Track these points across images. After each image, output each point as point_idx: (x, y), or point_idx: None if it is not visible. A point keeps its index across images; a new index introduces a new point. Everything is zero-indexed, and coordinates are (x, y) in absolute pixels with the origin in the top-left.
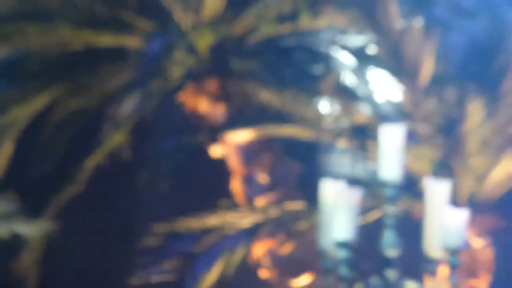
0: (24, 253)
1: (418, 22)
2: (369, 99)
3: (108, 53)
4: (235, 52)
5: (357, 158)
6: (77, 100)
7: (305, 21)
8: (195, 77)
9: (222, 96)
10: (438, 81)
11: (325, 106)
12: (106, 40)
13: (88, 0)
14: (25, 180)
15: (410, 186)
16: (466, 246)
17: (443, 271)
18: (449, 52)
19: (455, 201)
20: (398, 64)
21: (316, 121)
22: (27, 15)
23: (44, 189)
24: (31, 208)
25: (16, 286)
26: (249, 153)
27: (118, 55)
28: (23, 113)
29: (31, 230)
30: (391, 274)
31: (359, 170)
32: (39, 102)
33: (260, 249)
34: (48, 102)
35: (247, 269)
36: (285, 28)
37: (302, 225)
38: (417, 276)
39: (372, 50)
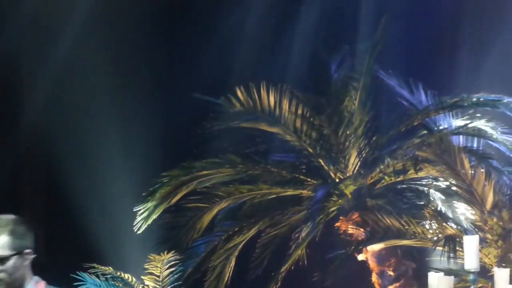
0: None
1: (482, 170)
2: (455, 219)
3: (291, 200)
4: (368, 194)
5: (450, 256)
6: (274, 230)
7: (410, 173)
8: (344, 211)
9: (362, 222)
10: (497, 206)
11: (427, 225)
12: (289, 192)
13: (277, 167)
14: (245, 281)
15: (484, 273)
16: None
17: None
18: (502, 188)
19: None
20: (471, 196)
21: (422, 234)
22: (241, 180)
23: (256, 286)
24: None
25: None
26: (381, 257)
27: (297, 201)
28: (241, 239)
29: None
30: None
31: (451, 264)
32: (250, 232)
33: None
34: (256, 232)
35: None
36: (399, 178)
37: None
38: None
39: (454, 188)
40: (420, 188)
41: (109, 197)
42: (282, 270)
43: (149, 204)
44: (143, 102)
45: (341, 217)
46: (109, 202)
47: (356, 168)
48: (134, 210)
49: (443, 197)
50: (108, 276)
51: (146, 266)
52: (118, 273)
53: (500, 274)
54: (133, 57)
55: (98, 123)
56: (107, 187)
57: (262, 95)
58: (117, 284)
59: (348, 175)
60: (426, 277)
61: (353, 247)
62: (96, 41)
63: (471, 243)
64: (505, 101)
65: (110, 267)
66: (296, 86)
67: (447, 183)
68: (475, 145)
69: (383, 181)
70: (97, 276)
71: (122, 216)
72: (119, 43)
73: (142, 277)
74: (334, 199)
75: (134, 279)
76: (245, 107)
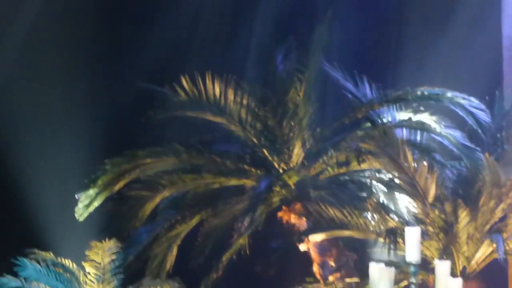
0: None
1: (424, 163)
2: (397, 212)
3: (234, 189)
4: (311, 185)
5: (391, 248)
6: (216, 219)
7: (354, 165)
8: (287, 202)
9: (304, 213)
10: (439, 199)
11: (369, 216)
12: (233, 182)
13: (221, 157)
14: (186, 269)
15: (425, 265)
16: None
17: None
18: (445, 181)
19: (453, 273)
20: (414, 189)
21: (364, 226)
22: (184, 169)
23: (198, 275)
24: (189, 287)
25: None
26: (323, 248)
27: (240, 190)
28: (183, 228)
29: None
30: None
31: (393, 256)
32: (193, 221)
33: None
34: (199, 221)
35: None
36: (342, 170)
37: None
38: None
39: (396, 181)
40: (363, 180)
41: (50, 183)
42: (223, 259)
43: (91, 191)
44: (87, 89)
45: (284, 208)
46: (50, 188)
47: (300, 159)
48: (76, 197)
49: (386, 190)
50: (49, 262)
51: (87, 253)
52: (59, 259)
53: (441, 267)
54: (77, 45)
55: (41, 110)
56: (49, 173)
57: (207, 84)
58: (57, 270)
59: (291, 166)
60: (367, 268)
61: (295, 237)
62: (40, 29)
63: (412, 235)
64: (448, 95)
65: (50, 253)
66: (242, 76)
67: (390, 175)
68: (418, 138)
69: (326, 172)
70: (38, 262)
71: (63, 202)
72: (63, 31)
73: (83, 263)
74: (277, 189)
75: (75, 266)
76: (190, 96)
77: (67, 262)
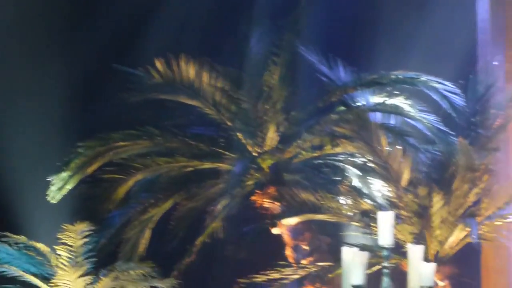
0: None
1: (398, 147)
2: (370, 195)
3: (208, 173)
4: (285, 169)
5: (364, 232)
6: (190, 202)
7: (327, 149)
8: (261, 185)
9: (278, 196)
10: (412, 183)
11: (342, 200)
12: (207, 165)
13: (195, 140)
14: (159, 253)
15: (398, 249)
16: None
17: None
18: (418, 165)
19: (426, 258)
20: (387, 172)
21: (337, 209)
22: (158, 152)
23: (171, 258)
24: (162, 271)
25: None
26: (296, 231)
27: (214, 174)
28: (157, 211)
29: (163, 285)
30: None
31: (366, 239)
32: (166, 204)
33: None
34: (172, 204)
35: None
36: (316, 153)
37: (331, 276)
38: None
39: (370, 164)
40: (337, 163)
41: (22, 166)
42: (197, 242)
43: (64, 174)
44: (60, 71)
45: (257, 191)
46: (22, 171)
47: (274, 143)
48: (49, 179)
49: (359, 173)
50: (21, 245)
51: (59, 236)
52: (31, 242)
53: (414, 251)
54: (51, 26)
55: (13, 92)
56: (21, 156)
57: (181, 67)
58: (30, 253)
59: (265, 149)
60: (340, 252)
61: (268, 221)
62: (13, 8)
63: (385, 219)
64: (423, 79)
65: (23, 236)
66: (216, 59)
67: (364, 159)
68: (392, 122)
69: (300, 156)
70: (9, 245)
71: (36, 185)
72: (36, 12)
73: (55, 246)
74: (251, 173)
75: (47, 249)
76: (164, 79)
77: (39, 245)
